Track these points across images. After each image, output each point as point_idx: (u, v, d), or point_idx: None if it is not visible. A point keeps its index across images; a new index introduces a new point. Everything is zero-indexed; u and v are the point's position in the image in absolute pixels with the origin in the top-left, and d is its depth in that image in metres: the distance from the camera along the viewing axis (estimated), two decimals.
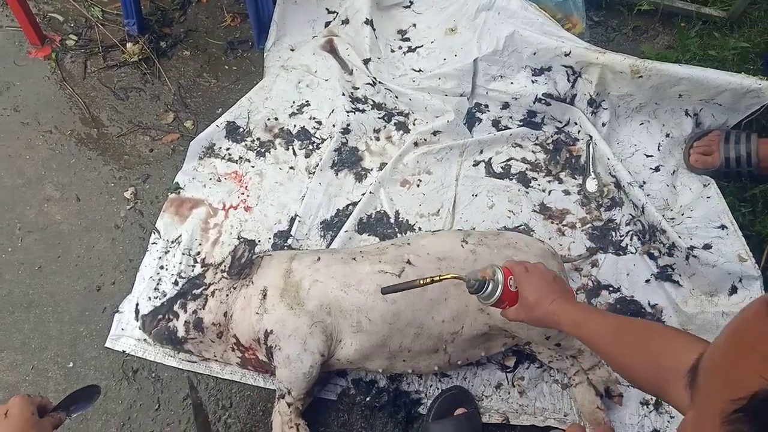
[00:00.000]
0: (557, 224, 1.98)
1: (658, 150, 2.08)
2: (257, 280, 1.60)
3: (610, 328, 1.14)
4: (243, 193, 2.03)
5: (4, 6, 2.43)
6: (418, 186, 2.05)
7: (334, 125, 2.14)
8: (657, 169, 2.05)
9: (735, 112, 1.99)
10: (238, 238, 1.93)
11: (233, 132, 2.14)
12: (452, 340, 1.56)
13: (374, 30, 2.27)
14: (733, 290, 1.77)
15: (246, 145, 2.13)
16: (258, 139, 2.14)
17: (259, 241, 1.93)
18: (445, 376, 1.74)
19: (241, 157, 2.10)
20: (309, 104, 2.21)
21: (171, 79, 2.31)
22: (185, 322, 1.62)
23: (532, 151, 2.13)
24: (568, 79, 2.10)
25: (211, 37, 2.43)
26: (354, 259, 1.61)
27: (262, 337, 1.55)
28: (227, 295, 1.61)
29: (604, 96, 2.09)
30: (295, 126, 2.16)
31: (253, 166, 2.09)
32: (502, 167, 2.09)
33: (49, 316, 1.85)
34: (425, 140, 2.11)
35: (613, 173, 2.02)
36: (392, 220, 1.97)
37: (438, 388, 1.72)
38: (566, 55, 2.04)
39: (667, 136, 2.09)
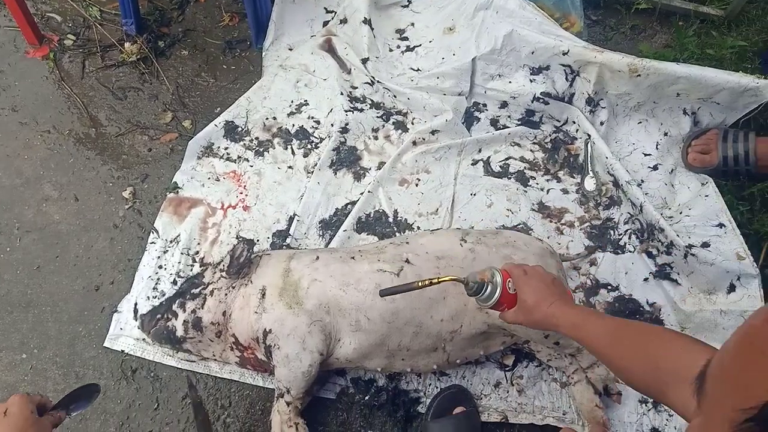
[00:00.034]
0: (556, 223, 1.98)
1: (657, 149, 2.09)
2: (256, 279, 1.60)
3: (608, 331, 1.14)
4: (241, 193, 2.03)
5: (1, 6, 2.43)
6: (416, 185, 2.05)
7: (332, 124, 2.14)
8: (655, 168, 2.05)
9: (733, 110, 1.99)
10: (237, 238, 1.93)
11: (232, 131, 2.14)
12: (451, 339, 1.57)
13: (372, 29, 2.27)
14: (732, 288, 1.78)
15: (244, 144, 2.13)
16: (256, 138, 2.14)
17: (258, 240, 1.93)
18: (444, 374, 1.74)
19: (239, 157, 2.10)
20: (307, 103, 2.21)
21: (169, 79, 2.31)
22: (184, 321, 1.62)
23: (531, 150, 2.13)
24: (567, 78, 2.10)
25: (210, 36, 2.43)
26: (353, 258, 1.61)
27: (260, 336, 1.55)
28: (226, 294, 1.61)
29: (603, 95, 2.09)
30: (293, 125, 2.16)
31: (251, 166, 2.09)
32: (500, 166, 2.09)
33: (48, 316, 1.85)
34: (424, 139, 2.11)
35: (611, 172, 2.02)
36: (391, 220, 1.97)
37: (437, 387, 1.72)
38: (564, 54, 2.05)
39: (666, 134, 2.09)
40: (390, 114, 2.19)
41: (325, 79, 2.24)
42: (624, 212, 1.99)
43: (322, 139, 2.13)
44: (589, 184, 2.03)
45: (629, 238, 1.95)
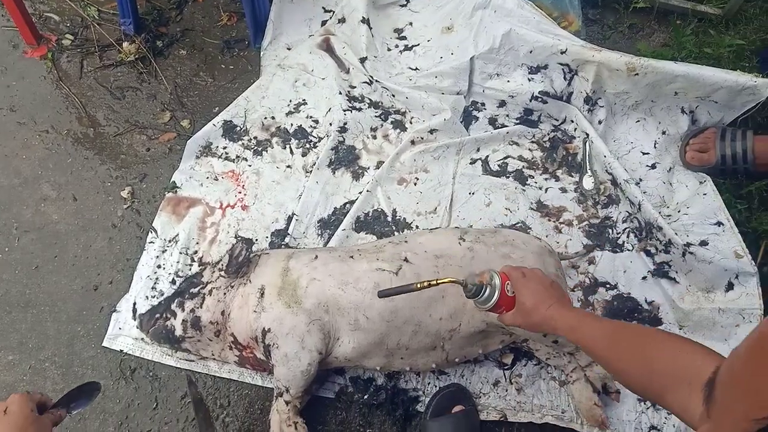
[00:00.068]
0: (554, 222, 1.99)
1: (655, 147, 2.09)
2: (255, 278, 1.60)
3: (606, 333, 1.15)
4: (240, 192, 2.03)
5: (0, 6, 2.43)
6: (415, 184, 2.05)
7: (331, 124, 2.14)
8: (653, 167, 2.06)
9: (731, 109, 1.99)
10: (236, 237, 1.93)
11: (230, 131, 2.14)
12: (450, 338, 1.57)
13: (371, 29, 2.27)
14: (730, 287, 1.78)
15: (243, 144, 2.13)
16: (255, 138, 2.14)
17: (257, 239, 1.93)
18: (443, 373, 1.74)
19: (238, 156, 2.10)
20: (306, 103, 2.21)
21: (167, 79, 2.31)
22: (183, 320, 1.62)
23: (529, 149, 2.13)
24: (565, 77, 2.10)
25: (208, 36, 2.43)
26: (351, 257, 1.61)
27: (259, 335, 1.55)
28: (225, 293, 1.61)
29: (601, 94, 2.09)
30: (292, 125, 2.16)
31: (250, 165, 2.09)
32: (498, 165, 2.09)
33: (47, 316, 1.85)
34: (422, 138, 2.11)
35: (609, 171, 2.02)
36: (389, 219, 1.97)
37: (436, 386, 1.72)
38: (562, 53, 2.05)
39: (664, 133, 2.10)
40: (388, 113, 2.19)
41: (323, 79, 2.24)
42: (622, 211, 1.99)
43: (320, 139, 2.13)
44: (588, 182, 2.03)
45: (628, 236, 1.95)
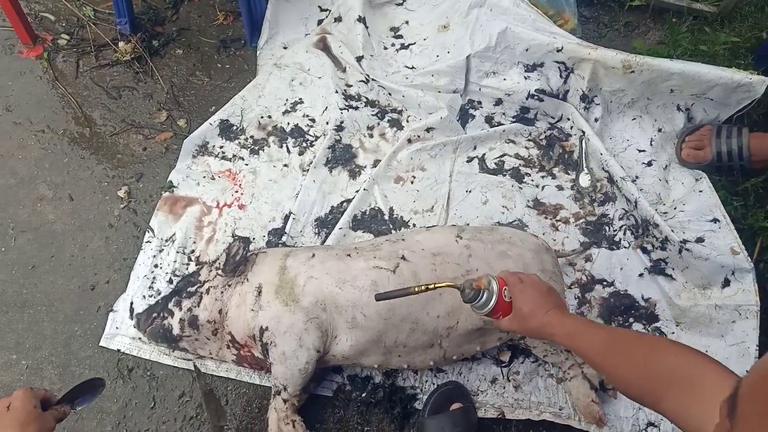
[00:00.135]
0: (551, 219, 1.99)
1: (651, 145, 2.09)
2: (252, 277, 1.60)
3: (603, 340, 1.16)
4: (237, 191, 2.03)
5: None
6: (412, 182, 2.05)
7: (327, 122, 2.14)
8: (649, 164, 2.06)
9: (726, 106, 2.00)
10: (233, 236, 1.93)
11: (227, 130, 2.14)
12: (447, 335, 1.57)
13: (367, 27, 2.27)
14: (726, 283, 1.78)
15: (239, 143, 2.12)
16: (251, 137, 2.14)
17: (254, 238, 1.93)
18: (441, 371, 1.74)
19: (234, 155, 2.10)
20: (302, 102, 2.21)
21: (164, 78, 2.30)
22: (180, 319, 1.62)
23: (526, 147, 2.14)
24: (561, 75, 2.10)
25: (204, 35, 2.42)
26: (349, 255, 1.61)
27: (257, 333, 1.55)
28: (222, 292, 1.60)
29: (597, 91, 2.10)
30: (288, 124, 2.16)
31: (246, 164, 2.08)
32: (495, 163, 2.10)
33: (44, 316, 1.85)
34: (419, 137, 2.11)
35: (605, 168, 2.02)
36: (386, 217, 1.97)
37: (433, 384, 1.72)
38: (558, 51, 2.05)
39: (659, 131, 2.10)
40: (385, 112, 2.19)
41: (319, 78, 2.24)
42: (619, 208, 1.99)
43: (317, 137, 2.13)
44: (584, 180, 2.04)
45: (624, 233, 1.95)
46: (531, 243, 1.66)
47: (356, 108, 2.17)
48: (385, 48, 2.33)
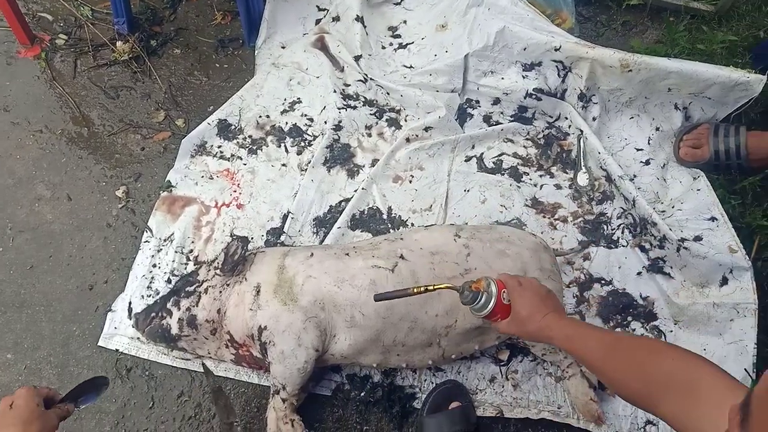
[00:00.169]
0: (549, 218, 1.99)
1: (648, 144, 2.10)
2: (250, 276, 1.60)
3: (602, 344, 1.16)
4: (235, 191, 2.03)
5: None
6: (410, 182, 2.05)
7: (325, 122, 2.14)
8: (647, 163, 2.06)
9: (724, 105, 2.00)
10: (231, 236, 1.93)
11: (225, 130, 2.14)
12: (446, 334, 1.57)
13: (365, 27, 2.27)
14: (724, 281, 1.79)
15: (238, 142, 2.12)
16: (250, 136, 2.14)
17: (252, 238, 1.93)
18: (440, 370, 1.74)
19: (233, 155, 2.10)
20: (300, 101, 2.21)
21: (162, 78, 2.30)
22: (179, 319, 1.62)
23: (524, 146, 2.14)
24: (559, 74, 2.11)
25: (202, 35, 2.42)
26: (347, 254, 1.61)
27: (255, 333, 1.55)
28: (220, 291, 1.60)
29: (595, 90, 2.10)
30: (286, 123, 2.16)
31: (245, 164, 2.08)
32: (493, 162, 2.10)
33: (42, 316, 1.84)
34: (417, 136, 2.11)
35: (603, 167, 2.03)
36: (385, 216, 1.98)
37: (432, 383, 1.72)
38: (556, 50, 2.05)
39: (657, 129, 2.10)
40: (383, 111, 2.19)
41: (318, 77, 2.24)
42: (617, 207, 2.00)
43: (315, 137, 2.13)
44: (582, 179, 2.04)
45: (622, 232, 1.96)
46: (529, 242, 1.66)
47: (354, 107, 2.17)
48: (383, 47, 2.33)
